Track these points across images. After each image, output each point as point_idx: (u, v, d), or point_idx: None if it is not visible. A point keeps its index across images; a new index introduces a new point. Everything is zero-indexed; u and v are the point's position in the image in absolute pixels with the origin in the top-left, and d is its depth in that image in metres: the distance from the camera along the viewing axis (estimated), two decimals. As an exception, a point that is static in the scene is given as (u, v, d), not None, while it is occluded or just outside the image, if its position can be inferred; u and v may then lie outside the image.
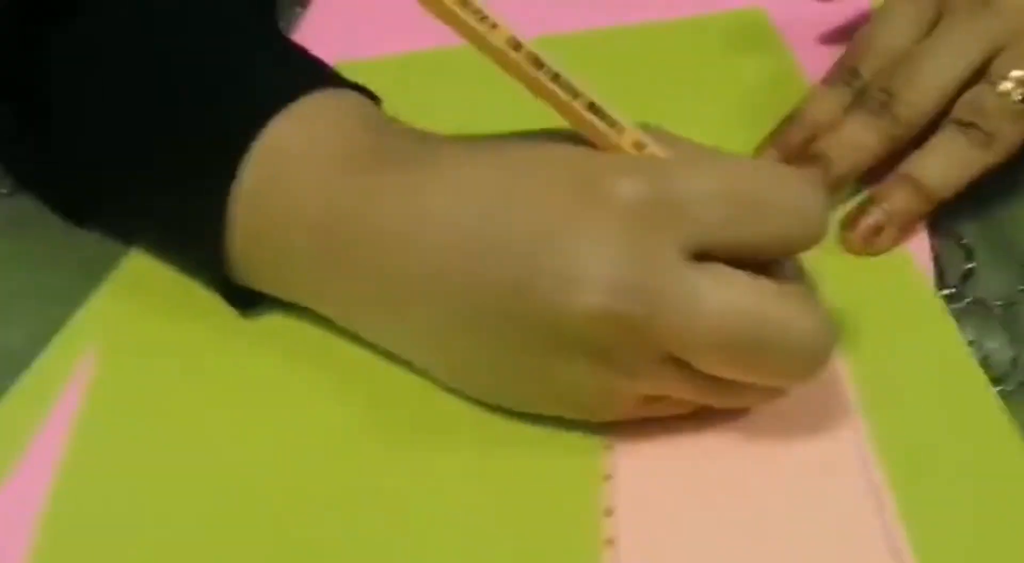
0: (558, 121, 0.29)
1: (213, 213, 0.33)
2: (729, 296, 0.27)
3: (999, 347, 0.34)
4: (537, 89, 0.28)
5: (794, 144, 0.40)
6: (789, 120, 0.41)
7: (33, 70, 0.37)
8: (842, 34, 0.47)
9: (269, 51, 0.37)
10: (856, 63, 0.41)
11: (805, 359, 0.28)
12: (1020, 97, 0.37)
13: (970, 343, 0.34)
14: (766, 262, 0.29)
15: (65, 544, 0.31)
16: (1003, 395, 0.32)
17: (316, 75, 0.35)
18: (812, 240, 0.29)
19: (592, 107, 0.28)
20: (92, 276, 0.40)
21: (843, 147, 0.38)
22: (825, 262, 0.36)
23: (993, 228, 0.38)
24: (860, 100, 0.39)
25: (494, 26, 0.27)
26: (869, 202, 0.38)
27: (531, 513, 0.30)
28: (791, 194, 0.28)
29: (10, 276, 0.41)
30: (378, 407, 0.34)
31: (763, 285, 0.27)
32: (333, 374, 0.35)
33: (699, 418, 0.31)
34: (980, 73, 0.38)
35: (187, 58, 0.35)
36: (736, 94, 0.46)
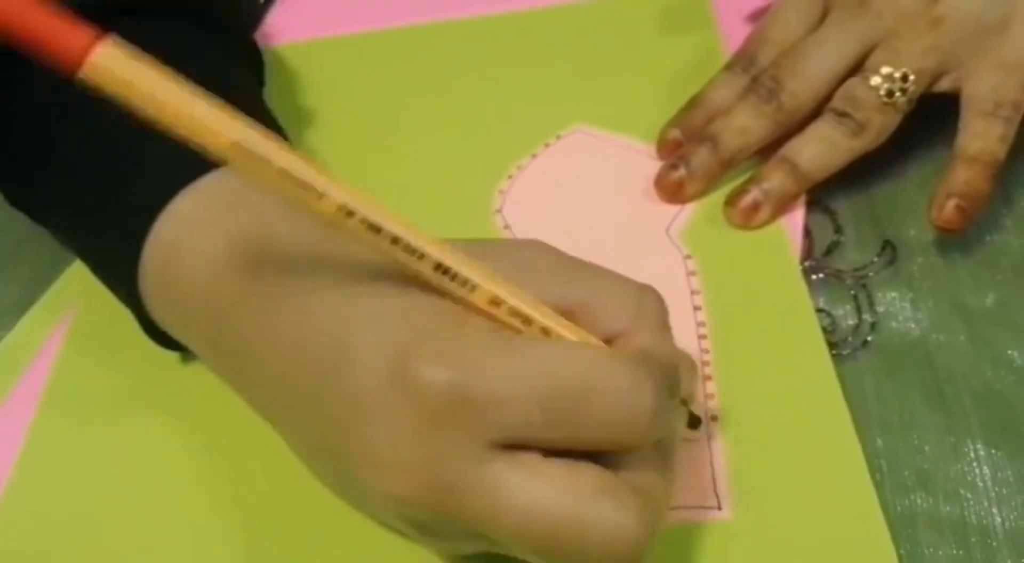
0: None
1: (127, 271, 0.34)
2: (533, 495, 0.25)
3: (844, 315, 0.39)
4: (380, 254, 0.27)
5: (695, 126, 0.45)
6: (692, 103, 0.46)
7: None
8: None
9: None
10: (753, 51, 0.45)
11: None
12: (886, 91, 0.41)
13: (820, 311, 0.39)
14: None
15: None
16: (839, 358, 0.38)
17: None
18: (636, 441, 0.27)
19: (439, 267, 0.27)
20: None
21: (732, 130, 0.43)
22: (708, 234, 0.42)
23: (864, 205, 0.43)
24: (752, 87, 0.44)
25: (321, 196, 0.25)
26: (749, 181, 0.42)
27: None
28: (615, 396, 0.26)
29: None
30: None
31: (577, 482, 0.26)
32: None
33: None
34: (858, 67, 0.42)
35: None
36: (660, 72, 0.50)
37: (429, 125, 0.50)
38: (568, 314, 0.28)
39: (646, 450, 0.27)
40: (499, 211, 0.45)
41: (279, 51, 0.55)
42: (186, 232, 0.33)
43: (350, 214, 0.26)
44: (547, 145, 0.47)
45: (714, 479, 0.34)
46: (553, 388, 0.25)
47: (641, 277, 0.40)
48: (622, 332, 0.29)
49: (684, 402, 0.31)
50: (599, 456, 0.26)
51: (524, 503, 0.25)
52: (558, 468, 0.26)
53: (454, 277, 0.27)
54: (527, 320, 0.27)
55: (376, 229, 0.26)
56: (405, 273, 0.27)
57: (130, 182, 0.35)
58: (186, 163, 0.34)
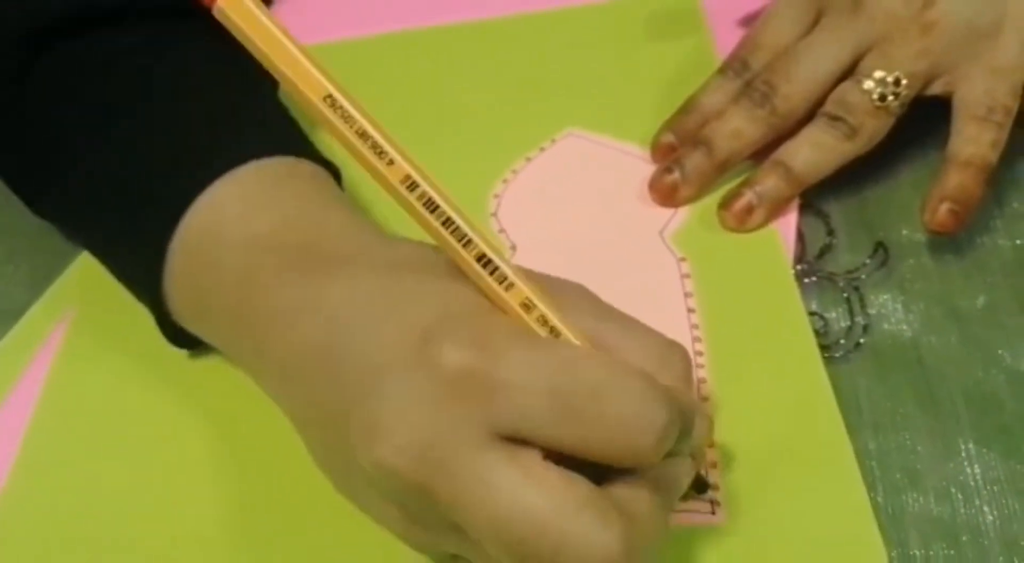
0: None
1: (152, 267, 0.35)
2: (519, 494, 0.25)
3: (836, 317, 0.39)
4: (429, 232, 0.28)
5: (689, 130, 0.45)
6: (685, 107, 0.46)
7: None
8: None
9: (245, 109, 0.38)
10: (746, 55, 0.45)
11: None
12: (879, 95, 0.41)
13: (812, 313, 0.39)
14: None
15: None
16: (831, 360, 0.38)
17: (279, 141, 0.37)
18: (639, 457, 0.26)
19: (482, 259, 0.27)
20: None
21: (726, 134, 0.43)
22: (702, 237, 0.42)
23: (856, 208, 0.43)
24: (746, 91, 0.44)
25: (391, 162, 0.27)
26: (743, 185, 0.43)
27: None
28: (628, 403, 0.26)
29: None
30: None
31: (567, 491, 0.25)
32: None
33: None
34: (851, 70, 0.43)
35: (162, 104, 0.38)
36: (653, 76, 0.50)
37: (424, 128, 0.50)
38: (596, 347, 0.28)
39: (645, 477, 0.27)
40: (494, 214, 0.45)
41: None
42: (222, 217, 0.34)
43: (413, 186, 0.27)
44: (542, 149, 0.48)
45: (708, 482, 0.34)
46: (569, 384, 0.25)
47: (635, 280, 0.41)
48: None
49: (694, 457, 0.30)
50: (597, 473, 0.26)
51: (508, 500, 0.25)
52: (552, 473, 0.25)
53: (494, 270, 0.27)
54: (554, 331, 0.28)
55: (433, 206, 0.27)
56: (448, 266, 0.28)
57: (158, 178, 0.36)
58: (220, 156, 0.35)
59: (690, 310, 0.40)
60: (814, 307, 0.40)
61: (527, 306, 0.28)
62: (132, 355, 0.41)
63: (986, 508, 0.33)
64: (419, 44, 0.55)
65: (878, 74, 0.41)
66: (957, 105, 0.42)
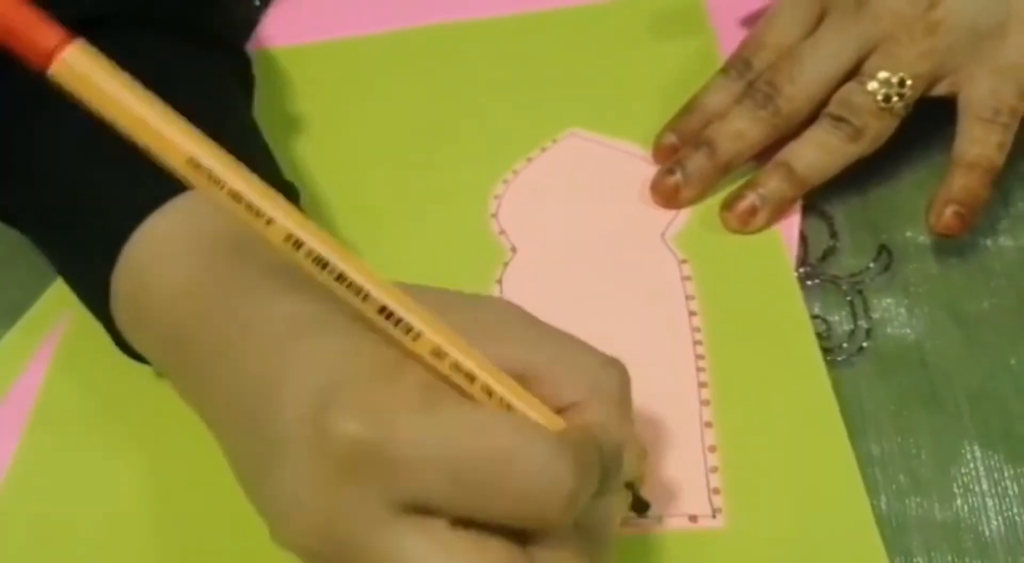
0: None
1: (99, 292, 0.35)
2: None
3: (839, 321, 0.39)
4: (324, 288, 0.26)
5: (691, 131, 0.45)
6: (688, 108, 0.46)
7: None
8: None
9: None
10: (749, 55, 0.45)
11: None
12: (883, 96, 0.41)
13: (815, 317, 0.39)
14: None
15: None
16: (834, 364, 0.37)
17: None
18: (548, 523, 0.25)
19: (383, 310, 0.26)
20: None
21: (729, 135, 0.43)
22: (704, 239, 0.42)
23: (860, 210, 0.43)
24: (748, 91, 0.44)
25: (270, 222, 0.25)
26: (746, 186, 0.42)
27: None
28: (531, 473, 0.24)
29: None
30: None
31: (479, 558, 0.25)
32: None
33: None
34: (855, 71, 0.42)
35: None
36: (656, 76, 0.50)
37: (424, 129, 0.49)
38: (522, 378, 0.27)
39: (566, 531, 0.26)
40: (494, 215, 0.45)
41: (274, 55, 0.55)
42: (153, 256, 0.33)
43: (298, 244, 0.25)
44: (543, 149, 0.47)
45: (708, 486, 0.34)
46: (467, 457, 0.24)
47: (636, 282, 0.41)
48: (576, 403, 0.28)
49: (631, 485, 0.30)
50: (517, 531, 0.25)
51: None
52: (462, 540, 0.24)
53: (397, 322, 0.26)
54: (470, 376, 0.26)
55: (323, 263, 0.25)
56: (354, 317, 0.27)
57: (104, 203, 0.35)
58: (160, 184, 0.33)
59: (691, 313, 0.39)
60: (817, 310, 0.39)
61: (438, 354, 0.26)
62: (128, 361, 0.40)
63: (991, 513, 0.33)
64: (419, 43, 0.54)
65: (882, 75, 0.41)
66: (962, 106, 0.41)
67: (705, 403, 0.36)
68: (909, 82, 0.41)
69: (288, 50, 0.56)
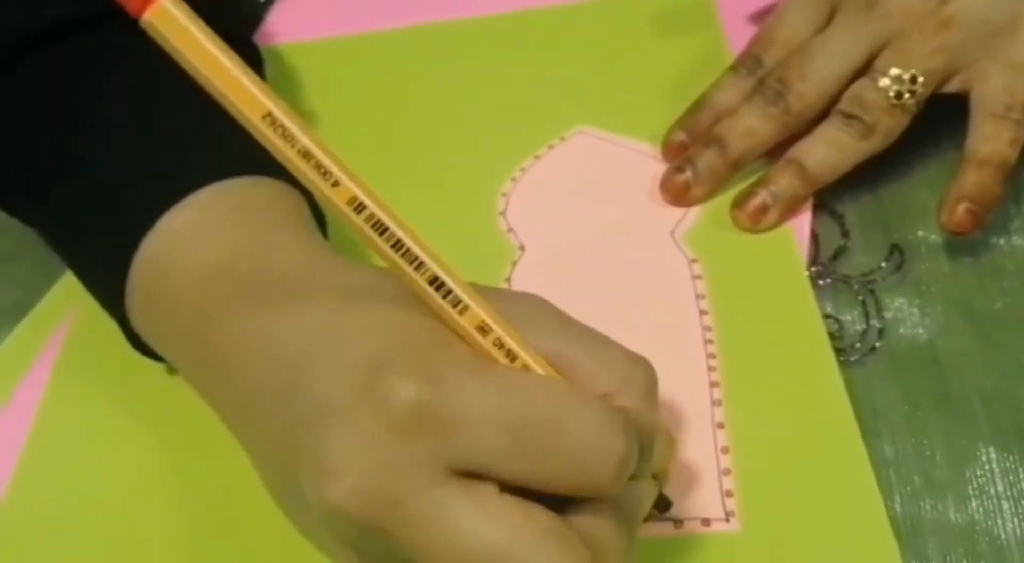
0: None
1: (114, 289, 0.35)
2: (477, 528, 0.24)
3: (852, 320, 0.39)
4: (379, 254, 0.26)
5: (701, 128, 0.44)
6: (697, 105, 0.45)
7: None
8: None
9: (205, 125, 0.35)
10: (759, 52, 0.45)
11: None
12: (895, 93, 0.40)
13: (827, 316, 0.39)
14: None
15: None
16: (847, 364, 0.37)
17: (240, 159, 0.35)
18: (598, 489, 0.25)
19: (435, 281, 0.26)
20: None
21: (739, 132, 0.43)
22: (714, 237, 0.42)
23: (871, 208, 0.43)
24: (759, 88, 0.43)
25: (336, 183, 0.25)
26: (757, 184, 0.42)
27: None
28: (586, 434, 0.25)
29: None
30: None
31: (526, 522, 0.25)
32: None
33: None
34: (866, 67, 0.42)
35: (123, 124, 0.37)
36: (664, 73, 0.49)
37: (432, 126, 0.49)
38: (554, 367, 0.28)
39: (607, 505, 0.26)
40: (502, 213, 0.44)
41: (279, 51, 0.55)
42: (175, 248, 0.33)
43: (360, 208, 0.25)
44: (551, 147, 0.47)
45: (721, 489, 0.33)
46: (524, 416, 0.25)
47: (646, 281, 0.41)
48: (606, 396, 0.28)
49: (656, 477, 0.30)
50: (558, 503, 0.26)
51: (466, 535, 0.24)
52: (510, 505, 0.25)
53: (447, 294, 0.26)
54: (511, 355, 0.27)
55: (382, 229, 0.26)
56: (400, 292, 0.27)
57: (120, 198, 0.35)
58: (175, 181, 0.34)
59: (702, 312, 0.39)
60: (829, 310, 0.39)
61: (483, 329, 0.26)
62: (134, 357, 0.40)
63: (1007, 515, 0.33)
64: (426, 40, 0.54)
65: (894, 71, 0.41)
66: (975, 103, 0.41)
67: (717, 403, 0.36)
68: (921, 79, 0.41)
69: (293, 46, 0.55)
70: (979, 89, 0.41)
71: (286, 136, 0.25)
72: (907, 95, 0.41)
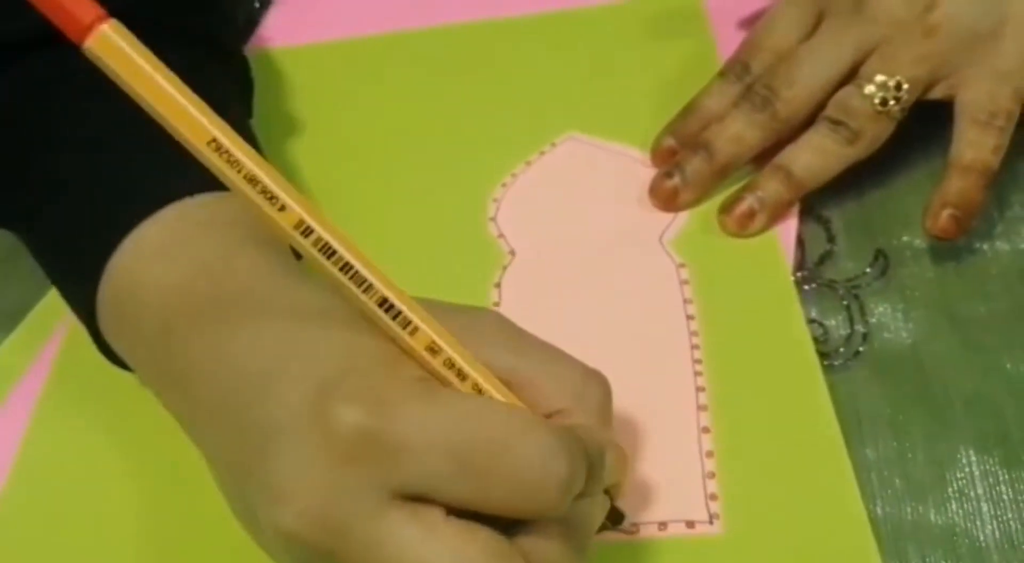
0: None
1: (84, 300, 0.35)
2: (423, 552, 0.25)
3: (836, 325, 0.39)
4: (327, 278, 0.26)
5: (690, 134, 0.45)
6: (686, 111, 0.46)
7: None
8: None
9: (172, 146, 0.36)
10: (747, 59, 0.45)
11: None
12: (880, 100, 0.41)
13: (812, 321, 0.39)
14: None
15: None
16: (831, 368, 0.38)
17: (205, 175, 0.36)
18: (542, 511, 0.26)
19: (384, 303, 0.26)
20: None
21: (727, 138, 0.43)
22: (702, 242, 0.42)
23: (856, 213, 0.43)
24: (747, 95, 0.44)
25: (282, 208, 0.25)
26: (744, 189, 0.42)
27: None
28: (529, 458, 0.25)
29: None
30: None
31: (472, 546, 0.25)
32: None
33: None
34: (852, 74, 0.42)
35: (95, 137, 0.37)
36: (654, 79, 0.50)
37: (423, 131, 0.50)
38: (508, 384, 0.28)
39: (554, 524, 0.27)
40: (493, 219, 0.45)
41: (273, 55, 0.55)
42: (140, 264, 0.33)
43: (307, 232, 0.26)
44: (541, 153, 0.47)
45: (706, 492, 0.34)
46: (468, 441, 0.25)
47: (634, 285, 0.41)
48: (559, 410, 0.29)
49: (608, 493, 0.30)
50: (506, 523, 0.26)
51: (412, 559, 0.25)
52: (455, 528, 0.25)
53: (396, 315, 0.26)
54: (462, 374, 0.27)
55: (330, 252, 0.26)
56: (354, 312, 0.27)
57: (92, 212, 0.35)
58: (144, 196, 0.34)
59: (689, 317, 0.40)
60: (814, 314, 0.40)
61: (433, 349, 0.27)
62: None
63: (986, 518, 0.33)
64: (418, 45, 0.54)
65: (879, 78, 0.41)
66: (959, 109, 0.41)
67: (702, 408, 0.36)
68: (906, 86, 0.41)
69: (287, 51, 0.56)
70: (964, 96, 0.41)
71: (231, 161, 0.25)
72: (892, 102, 0.41)
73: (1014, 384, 0.36)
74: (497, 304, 0.41)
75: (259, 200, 0.25)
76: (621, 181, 0.45)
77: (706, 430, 0.36)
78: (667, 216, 0.44)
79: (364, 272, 0.26)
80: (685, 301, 0.40)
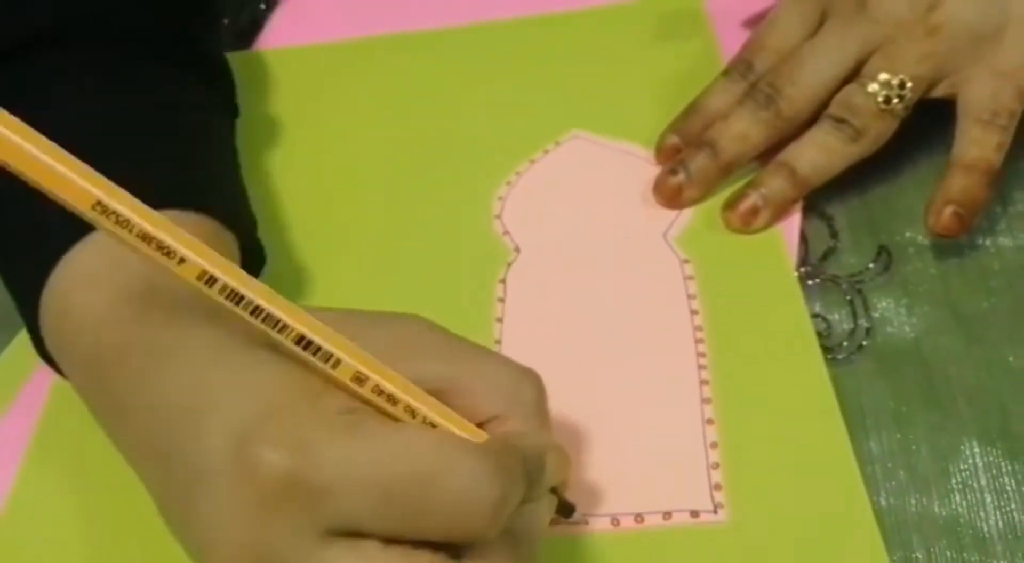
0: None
1: (30, 317, 0.35)
2: None
3: (840, 319, 0.39)
4: (240, 323, 0.26)
5: (694, 132, 0.45)
6: (690, 109, 0.46)
7: None
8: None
9: (134, 156, 0.35)
10: (751, 57, 0.45)
11: None
12: (884, 98, 0.41)
13: (815, 316, 0.39)
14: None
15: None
16: (834, 363, 0.38)
17: (162, 194, 0.32)
18: (476, 536, 0.25)
19: (301, 340, 0.26)
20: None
21: (731, 136, 0.43)
22: (706, 239, 0.42)
23: (860, 210, 0.43)
24: (750, 93, 0.44)
25: (182, 261, 0.25)
26: (748, 186, 0.43)
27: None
28: (456, 489, 0.25)
29: None
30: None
31: None
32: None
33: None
34: (856, 72, 0.43)
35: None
36: (657, 78, 0.50)
37: (429, 131, 0.50)
38: (441, 394, 0.28)
39: (498, 539, 0.26)
40: (498, 217, 0.45)
41: (276, 55, 0.56)
42: (73, 287, 0.33)
43: (212, 281, 0.25)
44: (546, 151, 0.48)
45: (710, 482, 0.34)
46: (392, 478, 0.25)
47: (639, 282, 0.41)
48: (495, 416, 0.28)
49: (555, 491, 0.30)
50: (446, 544, 0.26)
51: None
52: (393, 557, 0.25)
53: (316, 351, 0.26)
54: (392, 399, 0.27)
55: (238, 297, 0.25)
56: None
57: (33, 232, 0.35)
58: (74, 223, 0.34)
59: (693, 312, 0.40)
60: (817, 309, 0.40)
61: (359, 379, 0.26)
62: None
63: (989, 509, 0.33)
64: (423, 46, 0.55)
65: (883, 76, 0.41)
66: (962, 108, 0.42)
67: (706, 401, 0.37)
68: (909, 84, 0.41)
69: (294, 51, 0.56)
70: (966, 94, 0.42)
71: (120, 222, 0.24)
72: (896, 100, 0.41)
73: (1016, 378, 0.37)
74: (502, 300, 0.42)
75: (155, 255, 0.25)
76: (625, 179, 0.46)
77: (710, 422, 0.36)
78: (671, 213, 0.44)
79: (275, 312, 0.26)
80: (689, 296, 0.40)
